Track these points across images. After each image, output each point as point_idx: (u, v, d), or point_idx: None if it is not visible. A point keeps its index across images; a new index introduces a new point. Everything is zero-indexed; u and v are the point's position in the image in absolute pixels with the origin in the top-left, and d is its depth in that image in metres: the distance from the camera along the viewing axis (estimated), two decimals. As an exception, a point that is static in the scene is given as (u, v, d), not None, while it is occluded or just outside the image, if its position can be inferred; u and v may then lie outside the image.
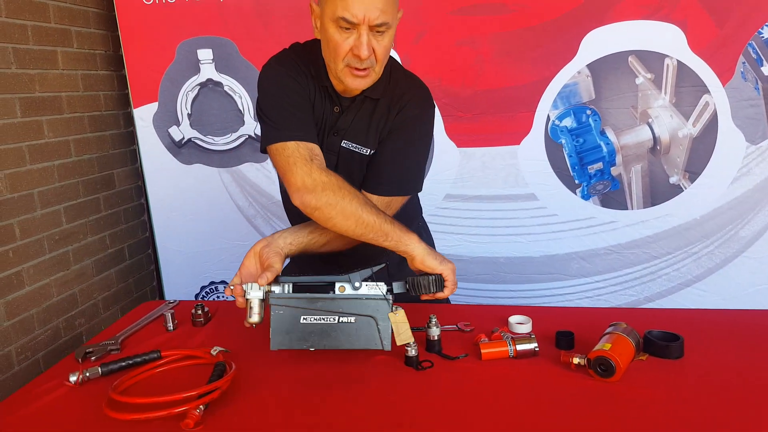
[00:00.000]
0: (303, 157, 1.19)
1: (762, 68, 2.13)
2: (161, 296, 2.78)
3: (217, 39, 2.43)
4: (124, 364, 1.14)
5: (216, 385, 1.01)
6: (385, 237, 1.20)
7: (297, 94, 1.27)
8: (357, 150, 1.32)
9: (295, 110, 1.25)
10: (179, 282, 2.67)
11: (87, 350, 1.23)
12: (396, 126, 1.30)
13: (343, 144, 1.32)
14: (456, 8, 2.26)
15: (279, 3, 2.35)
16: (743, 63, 2.14)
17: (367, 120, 1.31)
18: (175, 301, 1.55)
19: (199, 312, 1.40)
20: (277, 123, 1.24)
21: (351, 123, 1.31)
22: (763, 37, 2.11)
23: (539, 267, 2.42)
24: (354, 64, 1.19)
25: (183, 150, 2.56)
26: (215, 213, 2.58)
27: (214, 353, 1.16)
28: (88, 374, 1.11)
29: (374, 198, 1.30)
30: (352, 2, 1.11)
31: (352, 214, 1.17)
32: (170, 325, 1.37)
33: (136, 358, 1.15)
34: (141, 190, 2.72)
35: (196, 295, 2.67)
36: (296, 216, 1.33)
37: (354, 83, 1.23)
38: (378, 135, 1.32)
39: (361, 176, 1.35)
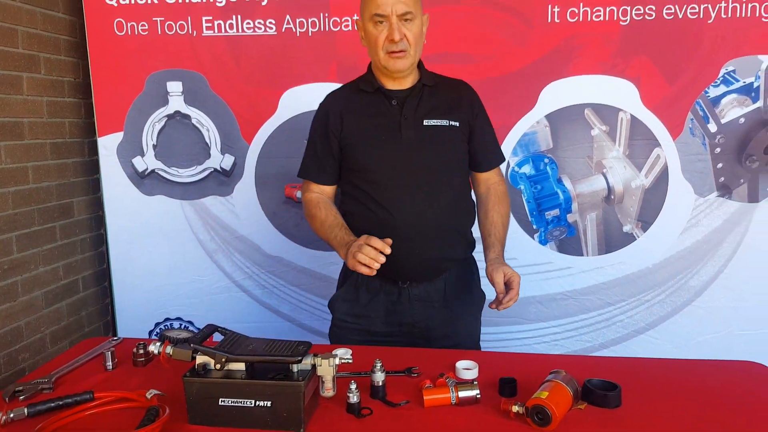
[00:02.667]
0: (302, 190, 1.67)
1: (708, 125, 2.24)
2: (114, 332, 2.70)
3: (187, 72, 2.45)
4: (53, 405, 1.10)
5: (144, 430, 0.98)
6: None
7: (319, 139, 1.60)
8: (442, 123, 1.55)
9: (310, 154, 1.64)
10: (134, 317, 2.60)
11: (16, 389, 1.18)
12: (476, 115, 1.60)
13: (425, 123, 1.53)
14: (424, 56, 2.32)
15: (252, 40, 2.39)
16: (692, 119, 2.25)
17: (434, 100, 1.56)
18: (118, 338, 1.51)
19: (141, 351, 1.36)
20: (304, 162, 1.65)
21: (418, 106, 1.54)
22: (709, 96, 2.23)
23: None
24: (391, 48, 1.46)
25: (146, 181, 2.54)
26: (175, 246, 2.54)
27: (149, 396, 1.13)
28: (12, 415, 1.06)
29: (492, 173, 1.65)
30: (380, 0, 1.44)
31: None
32: (109, 364, 1.33)
33: (67, 398, 1.11)
34: (101, 221, 2.68)
35: (150, 332, 2.59)
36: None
37: (395, 65, 1.49)
38: (454, 112, 1.56)
39: (449, 150, 1.56)
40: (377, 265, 1.34)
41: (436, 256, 1.46)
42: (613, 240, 2.34)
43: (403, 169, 1.52)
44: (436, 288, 1.59)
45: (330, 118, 1.57)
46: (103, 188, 2.56)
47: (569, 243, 2.37)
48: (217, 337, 1.21)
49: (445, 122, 1.54)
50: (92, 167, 2.64)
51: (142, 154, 2.52)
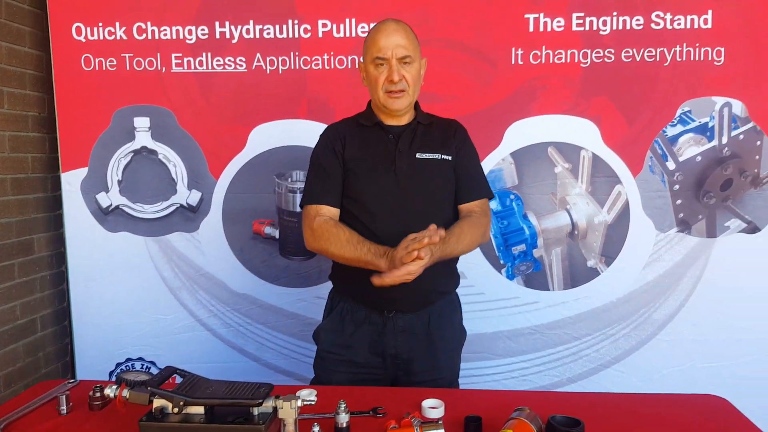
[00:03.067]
0: (310, 217, 1.60)
1: (667, 163, 2.33)
2: (73, 374, 2.59)
3: (155, 108, 2.44)
4: (-2, 454, 1.04)
5: (96, 479, 0.94)
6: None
7: (326, 162, 1.63)
8: (434, 157, 1.62)
9: (317, 178, 1.64)
10: (94, 358, 2.50)
11: (-40, 438, 1.12)
12: (459, 147, 1.67)
13: (418, 156, 1.61)
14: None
15: (222, 77, 2.40)
16: (651, 157, 2.33)
17: (428, 137, 1.65)
18: (75, 380, 1.45)
19: (98, 395, 1.31)
20: (313, 188, 1.65)
21: (412, 141, 1.62)
22: (667, 135, 2.32)
23: (468, 346, 2.40)
24: (390, 88, 1.56)
25: (109, 217, 2.49)
26: (138, 284, 2.48)
27: (102, 442, 1.08)
28: (-47, 467, 1.01)
29: (473, 204, 1.65)
30: (381, 44, 1.55)
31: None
32: (63, 409, 1.28)
33: (13, 447, 1.06)
34: (63, 258, 2.60)
35: (111, 373, 2.50)
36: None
37: (394, 105, 1.58)
38: (446, 147, 1.64)
39: (440, 181, 1.62)
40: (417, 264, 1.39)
41: (423, 285, 1.46)
42: (578, 275, 2.38)
43: (395, 198, 1.58)
44: (420, 320, 1.61)
45: (335, 140, 1.65)
46: (66, 225, 2.50)
47: (535, 278, 2.40)
48: (178, 379, 1.17)
49: (437, 156, 1.62)
50: (55, 203, 2.58)
51: (107, 190, 2.48)
